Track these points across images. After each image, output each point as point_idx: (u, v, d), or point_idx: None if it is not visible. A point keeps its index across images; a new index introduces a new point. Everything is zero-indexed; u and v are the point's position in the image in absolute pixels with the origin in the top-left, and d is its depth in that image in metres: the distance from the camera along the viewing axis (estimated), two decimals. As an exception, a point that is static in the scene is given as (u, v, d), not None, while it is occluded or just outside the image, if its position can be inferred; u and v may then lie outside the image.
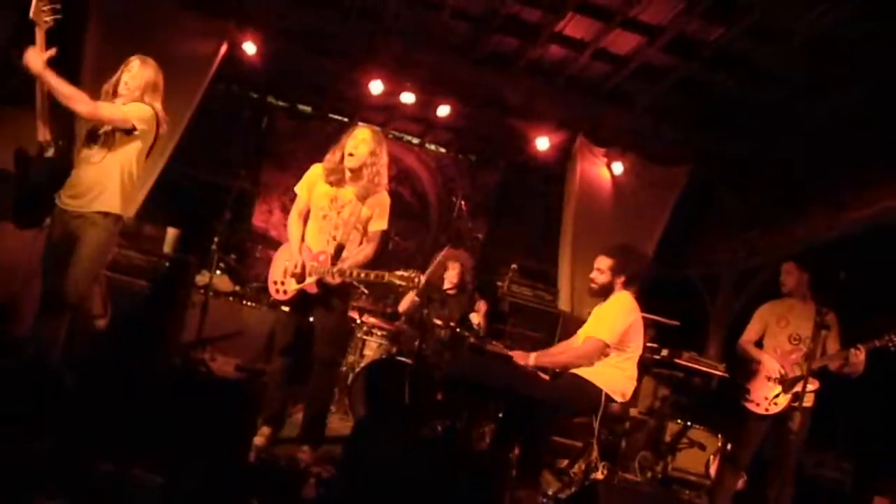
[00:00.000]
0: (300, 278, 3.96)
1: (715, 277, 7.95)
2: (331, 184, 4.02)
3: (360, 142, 3.96)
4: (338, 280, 3.89)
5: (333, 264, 3.92)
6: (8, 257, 4.39)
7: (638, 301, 4.22)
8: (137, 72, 3.82)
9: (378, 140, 4.01)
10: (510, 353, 4.39)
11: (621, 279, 4.17)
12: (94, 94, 3.74)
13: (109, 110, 3.69)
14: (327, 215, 4.01)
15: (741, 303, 7.48)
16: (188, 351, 5.39)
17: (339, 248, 3.99)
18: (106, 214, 3.70)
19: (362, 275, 3.87)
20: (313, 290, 3.96)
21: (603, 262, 4.21)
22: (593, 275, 4.25)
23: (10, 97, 5.86)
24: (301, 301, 4.05)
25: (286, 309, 4.15)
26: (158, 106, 3.85)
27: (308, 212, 4.11)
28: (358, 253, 4.00)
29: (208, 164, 7.97)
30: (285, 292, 4.04)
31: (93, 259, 3.70)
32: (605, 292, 4.22)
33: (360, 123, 4.11)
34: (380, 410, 5.00)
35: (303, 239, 4.07)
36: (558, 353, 4.43)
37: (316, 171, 4.09)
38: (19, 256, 4.27)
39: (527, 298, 6.14)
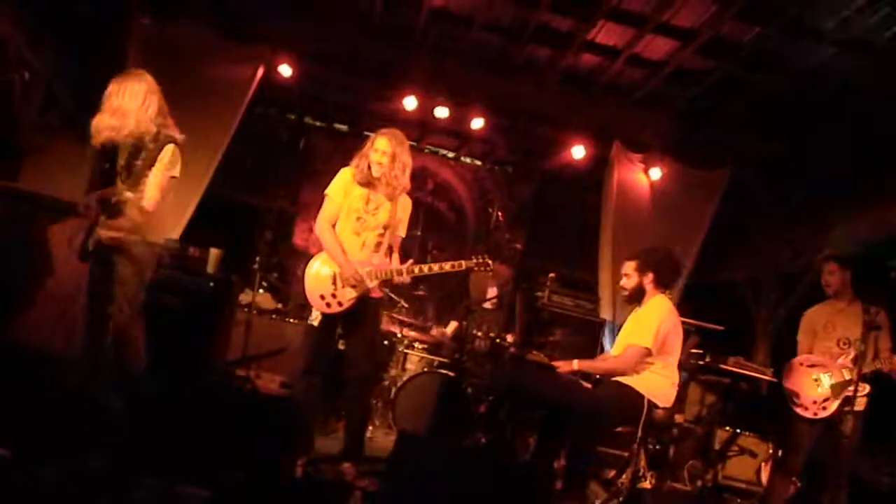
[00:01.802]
0: (359, 285, 3.91)
1: (759, 281, 7.80)
2: (362, 185, 4.06)
3: (381, 153, 4.01)
4: (407, 278, 3.96)
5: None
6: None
7: (680, 307, 4.18)
8: None
9: (396, 143, 4.04)
10: (552, 362, 4.37)
11: (649, 277, 4.19)
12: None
13: None
14: (361, 217, 4.03)
15: (787, 306, 7.33)
16: (233, 369, 5.48)
17: (384, 248, 4.03)
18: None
19: (435, 268, 3.96)
20: (378, 294, 4.00)
21: (628, 267, 4.29)
22: (622, 282, 4.34)
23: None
24: (333, 318, 3.97)
25: (315, 324, 3.96)
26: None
27: (336, 218, 4.09)
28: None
29: (249, 186, 8.13)
30: (340, 304, 3.92)
31: None
32: (637, 296, 4.25)
33: (380, 132, 4.10)
34: (423, 423, 5.01)
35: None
36: (601, 360, 4.46)
37: (347, 175, 4.12)
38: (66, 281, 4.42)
39: (567, 308, 6.07)
